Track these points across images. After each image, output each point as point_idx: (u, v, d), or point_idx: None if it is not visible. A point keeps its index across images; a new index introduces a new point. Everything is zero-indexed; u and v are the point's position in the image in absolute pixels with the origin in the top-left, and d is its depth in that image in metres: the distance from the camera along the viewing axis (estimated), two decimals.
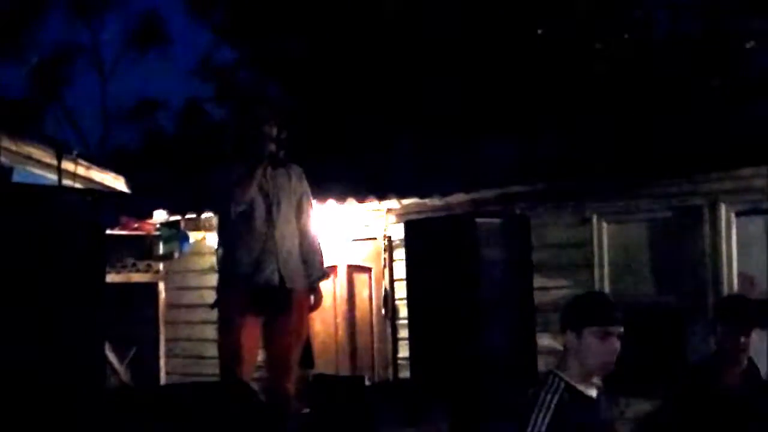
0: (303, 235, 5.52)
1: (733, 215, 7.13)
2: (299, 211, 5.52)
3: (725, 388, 4.40)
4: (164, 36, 22.37)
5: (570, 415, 3.52)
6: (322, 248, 5.63)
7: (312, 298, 5.55)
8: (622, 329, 3.58)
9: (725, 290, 7.03)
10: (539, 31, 14.16)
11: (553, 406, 3.50)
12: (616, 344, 3.56)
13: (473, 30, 14.35)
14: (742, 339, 4.36)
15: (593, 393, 3.64)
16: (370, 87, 15.10)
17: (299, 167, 5.62)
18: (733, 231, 7.12)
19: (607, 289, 7.48)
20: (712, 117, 8.29)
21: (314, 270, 5.54)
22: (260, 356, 5.57)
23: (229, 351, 5.32)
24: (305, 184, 5.61)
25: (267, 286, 5.28)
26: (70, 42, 22.45)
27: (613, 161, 7.70)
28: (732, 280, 7.08)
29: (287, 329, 5.39)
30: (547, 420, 3.48)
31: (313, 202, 5.71)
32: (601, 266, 7.58)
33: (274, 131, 5.42)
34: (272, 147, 5.37)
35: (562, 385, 3.55)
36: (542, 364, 6.35)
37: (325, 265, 5.70)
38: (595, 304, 3.77)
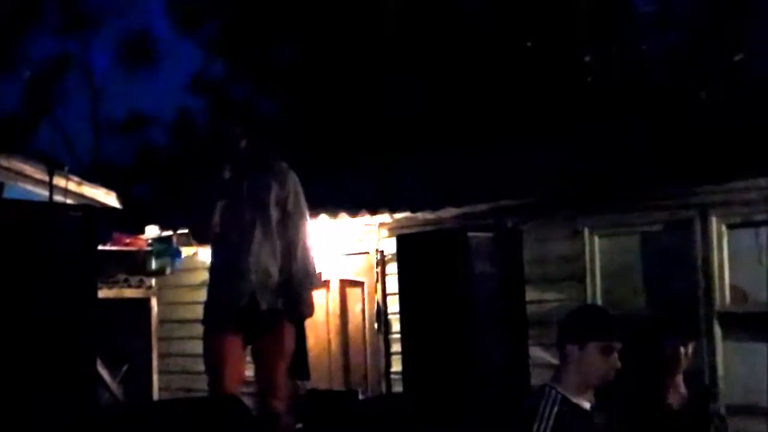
0: (291, 242, 5.33)
1: (724, 227, 7.13)
2: (285, 216, 5.32)
3: (666, 396, 4.61)
4: (154, 52, 22.37)
5: (569, 427, 3.53)
6: (313, 255, 5.43)
7: (301, 310, 5.44)
8: (620, 345, 3.62)
9: (717, 302, 7.05)
10: (528, 44, 14.20)
11: (552, 417, 3.52)
12: (617, 358, 3.61)
13: (467, 42, 14.40)
14: (682, 350, 4.59)
15: (587, 406, 3.66)
16: (363, 101, 15.12)
17: (285, 167, 5.39)
18: (725, 243, 7.12)
19: (599, 302, 7.48)
20: (703, 129, 8.32)
21: (303, 278, 5.34)
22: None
23: (210, 368, 5.31)
24: (291, 185, 5.35)
25: (238, 307, 5.23)
26: (61, 57, 22.44)
27: (604, 174, 7.72)
28: (724, 292, 7.09)
29: (267, 348, 5.31)
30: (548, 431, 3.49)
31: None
32: (593, 279, 7.58)
33: (243, 144, 5.25)
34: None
35: (560, 397, 3.57)
36: (535, 376, 6.35)
37: (318, 273, 5.59)
38: (598, 318, 3.80)
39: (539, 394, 3.63)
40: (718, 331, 7.03)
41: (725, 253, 7.10)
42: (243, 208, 5.26)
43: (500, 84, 14.14)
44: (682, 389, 4.64)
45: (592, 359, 3.58)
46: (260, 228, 5.26)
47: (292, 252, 5.33)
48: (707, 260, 7.11)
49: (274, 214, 5.31)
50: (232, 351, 5.26)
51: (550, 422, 3.50)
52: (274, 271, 5.28)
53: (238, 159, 5.27)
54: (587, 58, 14.45)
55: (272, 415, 5.29)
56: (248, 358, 5.47)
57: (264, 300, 5.23)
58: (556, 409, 3.54)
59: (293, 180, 5.38)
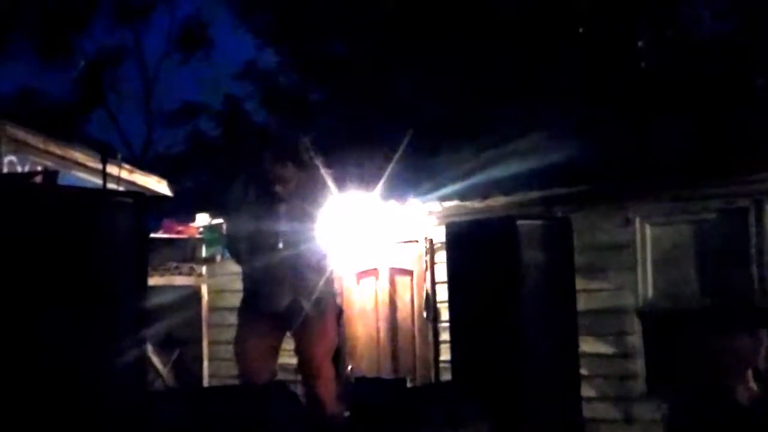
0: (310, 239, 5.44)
1: None
2: (302, 212, 5.39)
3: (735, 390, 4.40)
4: (208, 40, 22.53)
5: None
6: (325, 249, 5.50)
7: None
8: None
9: None
10: (580, 30, 14.08)
11: None
12: None
13: (511, 32, 14.32)
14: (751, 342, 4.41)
15: None
16: (412, 90, 15.10)
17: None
18: None
19: (650, 292, 7.41)
20: (757, 117, 8.19)
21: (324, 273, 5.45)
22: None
23: (244, 367, 5.40)
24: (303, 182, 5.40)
25: (279, 311, 5.37)
26: (115, 46, 22.70)
27: (656, 162, 7.63)
28: None
29: (309, 337, 5.42)
30: None
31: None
32: (645, 269, 7.50)
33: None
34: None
35: None
36: (584, 366, 6.31)
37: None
38: None
39: None
40: None
41: None
42: (270, 212, 5.34)
43: (555, 71, 14.02)
44: (752, 383, 4.45)
45: None
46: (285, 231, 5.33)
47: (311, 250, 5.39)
48: (761, 249, 7.01)
49: (296, 212, 5.36)
50: (268, 350, 5.36)
51: None
52: (306, 272, 5.36)
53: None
54: (640, 44, 14.29)
55: (319, 402, 5.33)
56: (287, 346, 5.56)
57: (305, 300, 5.32)
58: None
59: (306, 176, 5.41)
